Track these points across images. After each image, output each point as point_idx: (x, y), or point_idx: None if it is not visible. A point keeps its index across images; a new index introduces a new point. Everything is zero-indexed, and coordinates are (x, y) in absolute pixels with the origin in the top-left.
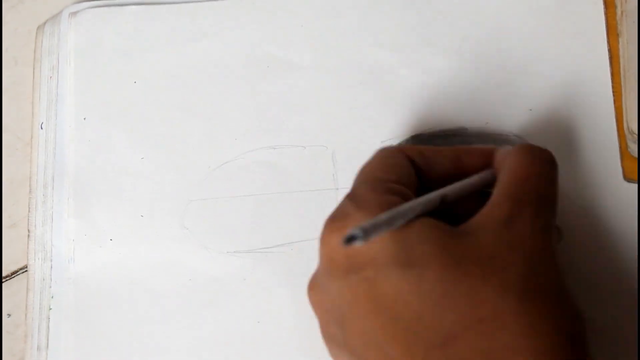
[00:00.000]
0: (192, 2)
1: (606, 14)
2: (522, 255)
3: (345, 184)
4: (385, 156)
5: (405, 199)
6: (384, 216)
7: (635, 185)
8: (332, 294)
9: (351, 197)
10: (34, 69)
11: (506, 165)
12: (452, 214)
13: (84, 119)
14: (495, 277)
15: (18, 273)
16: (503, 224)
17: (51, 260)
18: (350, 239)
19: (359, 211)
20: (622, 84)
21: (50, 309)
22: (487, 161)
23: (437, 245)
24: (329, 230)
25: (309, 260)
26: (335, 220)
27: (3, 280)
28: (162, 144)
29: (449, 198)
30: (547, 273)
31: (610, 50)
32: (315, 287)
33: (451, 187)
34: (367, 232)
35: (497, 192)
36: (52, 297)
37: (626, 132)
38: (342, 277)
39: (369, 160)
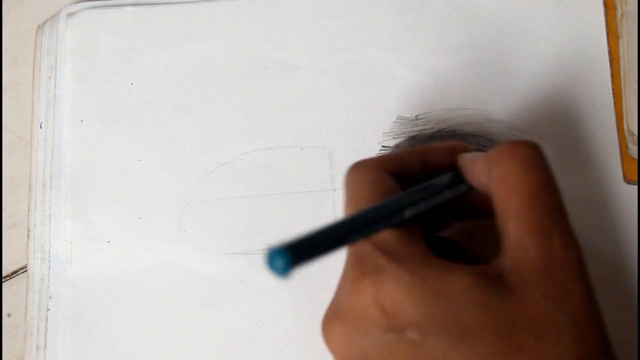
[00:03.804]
0: (189, 3)
1: (606, 15)
2: (571, 315)
3: (342, 185)
4: (373, 182)
5: (420, 237)
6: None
7: (636, 187)
8: (363, 347)
9: (372, 242)
10: (33, 68)
11: (499, 178)
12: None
13: (81, 121)
14: (550, 348)
15: (18, 273)
16: (540, 270)
17: (49, 261)
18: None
19: (392, 264)
20: (622, 85)
21: (48, 309)
22: (451, 157)
23: (487, 311)
24: (362, 282)
25: None
26: (367, 272)
27: (3, 280)
28: (159, 146)
29: (408, 215)
30: (595, 330)
31: (610, 52)
32: (336, 331)
33: (413, 200)
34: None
35: (512, 223)
36: (50, 297)
37: (626, 133)
38: (378, 334)
39: (357, 189)
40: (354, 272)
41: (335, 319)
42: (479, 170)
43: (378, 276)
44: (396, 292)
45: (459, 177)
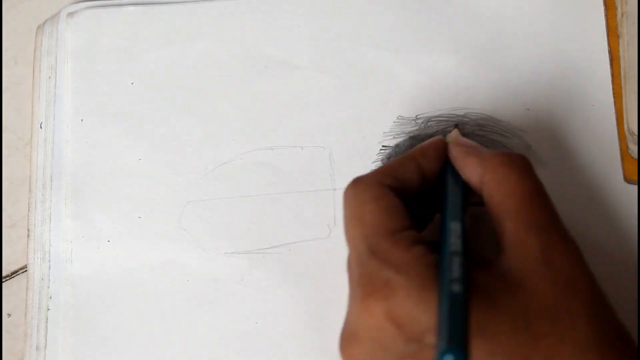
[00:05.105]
0: (189, 2)
1: (606, 15)
2: (582, 300)
3: (342, 185)
4: (376, 198)
5: (423, 242)
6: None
7: (636, 187)
8: None
9: (378, 257)
10: (33, 68)
11: (494, 183)
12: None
13: (82, 120)
14: (569, 332)
15: (18, 273)
16: (542, 262)
17: (49, 261)
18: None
19: (400, 275)
20: (623, 85)
21: (48, 309)
22: (441, 155)
23: (499, 308)
24: (373, 299)
25: (307, 260)
26: (376, 289)
27: (3, 280)
28: (159, 145)
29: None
30: (608, 312)
31: (610, 52)
32: (355, 352)
33: (455, 231)
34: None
35: (510, 223)
36: (50, 297)
37: (627, 133)
38: (398, 348)
39: (359, 206)
40: (363, 289)
41: (352, 341)
42: (471, 171)
43: (387, 289)
44: (407, 301)
45: (457, 175)
